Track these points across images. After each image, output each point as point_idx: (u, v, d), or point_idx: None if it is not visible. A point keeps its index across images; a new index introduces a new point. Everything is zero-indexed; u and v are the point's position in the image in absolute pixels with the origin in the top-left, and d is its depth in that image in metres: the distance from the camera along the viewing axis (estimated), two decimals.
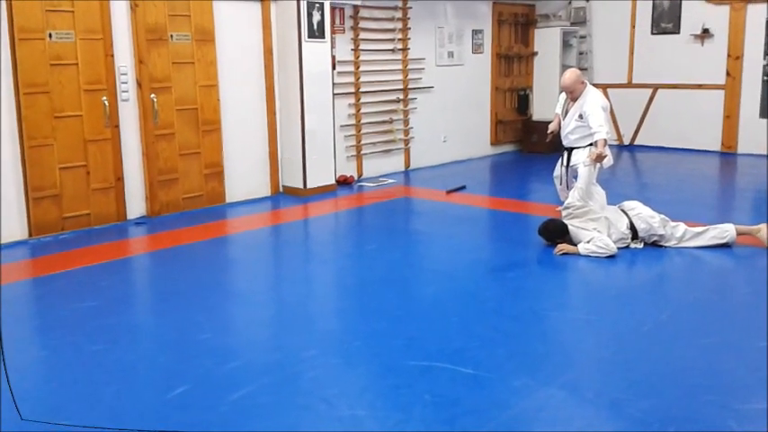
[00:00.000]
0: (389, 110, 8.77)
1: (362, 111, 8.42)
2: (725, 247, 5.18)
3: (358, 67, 8.30)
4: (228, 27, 7.03)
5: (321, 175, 7.65)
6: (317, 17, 7.35)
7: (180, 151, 6.76)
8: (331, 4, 7.56)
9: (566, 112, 5.96)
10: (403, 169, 9.07)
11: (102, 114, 6.19)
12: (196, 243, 5.80)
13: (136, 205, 6.54)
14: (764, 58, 9.34)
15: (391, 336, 3.69)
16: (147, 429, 2.78)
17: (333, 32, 7.71)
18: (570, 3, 10.83)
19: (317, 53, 7.41)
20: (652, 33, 10.34)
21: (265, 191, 7.61)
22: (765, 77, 9.35)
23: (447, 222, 6.40)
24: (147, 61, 6.42)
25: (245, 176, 7.36)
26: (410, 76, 8.96)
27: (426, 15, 9.11)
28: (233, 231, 6.36)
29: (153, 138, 6.54)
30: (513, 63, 10.61)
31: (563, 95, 6.06)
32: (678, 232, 5.22)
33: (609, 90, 10.45)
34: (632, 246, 5.22)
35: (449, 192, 7.63)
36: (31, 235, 5.85)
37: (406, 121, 9.00)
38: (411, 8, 8.80)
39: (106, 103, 6.18)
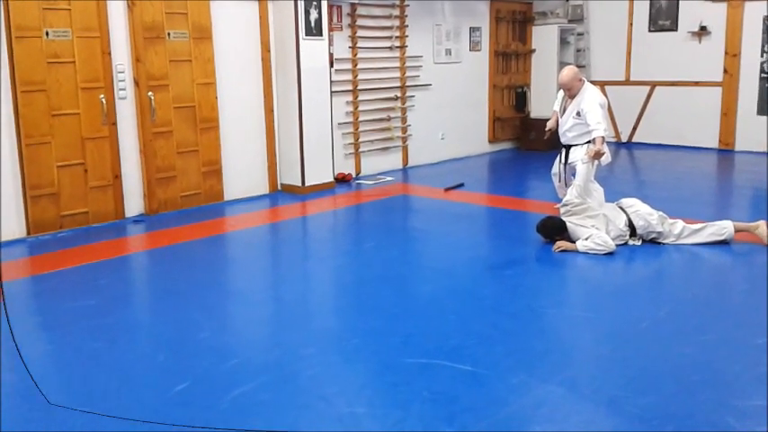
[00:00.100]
0: (387, 107, 8.77)
1: (360, 108, 8.42)
2: (723, 243, 5.18)
3: (356, 65, 8.29)
4: (226, 24, 7.02)
5: (319, 173, 7.65)
6: (314, 15, 7.34)
7: (178, 149, 6.75)
8: (328, 1, 7.55)
9: (563, 110, 5.96)
10: (401, 167, 9.07)
11: (100, 112, 6.18)
12: (194, 241, 5.80)
13: (134, 203, 6.54)
14: (762, 56, 9.35)
15: (389, 333, 3.69)
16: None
17: (330, 30, 7.71)
18: (568, 0, 10.82)
19: (314, 51, 7.40)
20: (650, 31, 10.34)
21: (263, 188, 7.61)
22: (763, 75, 9.36)
23: (445, 220, 6.40)
24: (144, 59, 6.41)
25: (243, 174, 7.35)
26: (408, 74, 8.95)
27: (424, 13, 9.10)
28: (231, 229, 6.35)
29: (151, 135, 6.53)
30: (510, 60, 10.61)
31: (561, 93, 6.06)
32: (676, 229, 5.22)
33: (606, 87, 10.45)
34: (630, 243, 5.23)
35: (447, 189, 7.63)
36: (29, 233, 5.84)
37: (403, 119, 9.00)
38: (408, 5, 8.79)
39: (104, 101, 6.18)
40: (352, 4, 8.11)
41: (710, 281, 4.64)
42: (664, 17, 10.18)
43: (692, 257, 5.01)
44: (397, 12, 8.69)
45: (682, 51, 10.02)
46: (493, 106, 10.40)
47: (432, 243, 5.68)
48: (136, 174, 6.53)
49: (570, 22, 10.79)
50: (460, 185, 7.81)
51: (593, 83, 7.26)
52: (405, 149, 9.10)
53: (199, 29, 6.78)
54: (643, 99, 10.49)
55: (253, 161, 7.48)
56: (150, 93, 6.47)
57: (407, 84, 8.96)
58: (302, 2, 7.21)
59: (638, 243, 5.23)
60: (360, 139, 8.46)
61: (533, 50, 10.81)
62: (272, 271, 5.32)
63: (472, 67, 9.98)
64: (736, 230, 5.19)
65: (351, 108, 8.32)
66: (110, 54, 6.20)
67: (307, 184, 7.53)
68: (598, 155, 5.60)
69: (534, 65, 10.88)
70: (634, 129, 10.68)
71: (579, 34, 10.84)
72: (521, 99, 10.77)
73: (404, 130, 9.02)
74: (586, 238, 5.08)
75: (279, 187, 7.75)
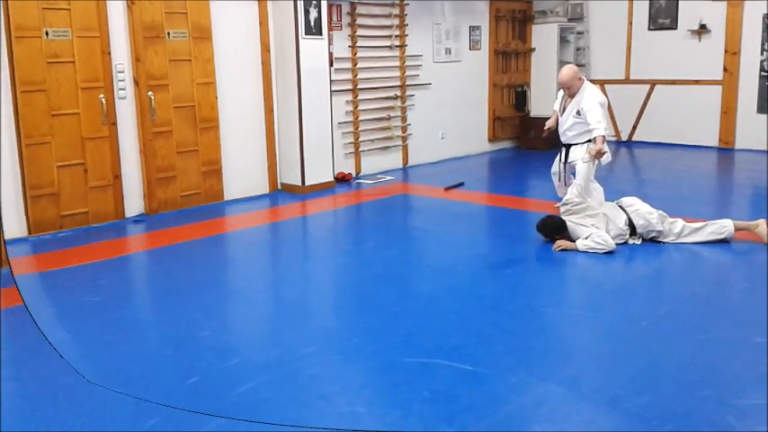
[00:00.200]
0: (387, 107, 8.76)
1: (360, 108, 8.42)
2: (723, 242, 5.18)
3: (355, 64, 8.29)
4: (225, 24, 7.01)
5: (319, 173, 7.65)
6: (314, 14, 7.34)
7: (178, 149, 6.76)
8: (328, 0, 7.54)
9: (563, 109, 5.95)
10: (401, 166, 9.07)
11: (100, 112, 6.18)
12: (194, 241, 5.80)
13: (134, 203, 6.54)
14: (762, 54, 9.34)
15: (389, 333, 3.69)
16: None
17: (330, 29, 7.71)
18: None
19: (314, 50, 7.40)
20: (649, 29, 10.34)
21: (263, 188, 7.61)
22: (763, 73, 9.36)
23: (445, 219, 6.40)
24: (144, 59, 6.41)
25: (243, 174, 7.35)
26: (407, 73, 8.94)
27: (423, 12, 9.10)
28: (231, 229, 6.35)
29: (150, 135, 6.53)
30: (510, 59, 10.61)
31: (561, 92, 6.05)
32: (676, 228, 5.22)
33: (606, 86, 10.44)
34: (630, 242, 5.23)
35: (447, 188, 7.63)
36: (29, 233, 5.85)
37: (403, 118, 9.00)
38: (408, 5, 8.79)
39: (103, 100, 6.18)
40: (352, 4, 8.11)
41: (710, 279, 4.63)
42: (663, 15, 10.18)
43: (691, 256, 5.01)
44: (396, 11, 8.69)
45: (682, 50, 10.01)
46: (493, 105, 10.40)
47: (432, 242, 5.68)
48: (136, 174, 6.53)
49: (570, 20, 10.78)
50: (460, 185, 7.81)
51: (593, 81, 7.27)
52: (405, 149, 9.10)
53: (198, 28, 6.77)
54: (643, 98, 10.49)
55: (253, 161, 7.48)
56: (150, 92, 6.47)
57: (407, 83, 8.96)
58: (302, 1, 7.20)
59: (638, 242, 5.23)
60: (360, 139, 8.46)
61: (533, 49, 10.81)
62: (272, 270, 5.32)
63: (472, 66, 9.98)
64: (737, 229, 5.18)
65: (351, 107, 8.32)
66: (109, 54, 6.20)
67: (307, 183, 7.53)
68: (599, 154, 5.60)
69: (534, 64, 10.87)
70: (634, 127, 10.68)
71: (579, 33, 10.84)
72: (520, 98, 10.76)
73: (404, 129, 9.02)
74: (586, 237, 5.08)
75: (279, 187, 7.75)
